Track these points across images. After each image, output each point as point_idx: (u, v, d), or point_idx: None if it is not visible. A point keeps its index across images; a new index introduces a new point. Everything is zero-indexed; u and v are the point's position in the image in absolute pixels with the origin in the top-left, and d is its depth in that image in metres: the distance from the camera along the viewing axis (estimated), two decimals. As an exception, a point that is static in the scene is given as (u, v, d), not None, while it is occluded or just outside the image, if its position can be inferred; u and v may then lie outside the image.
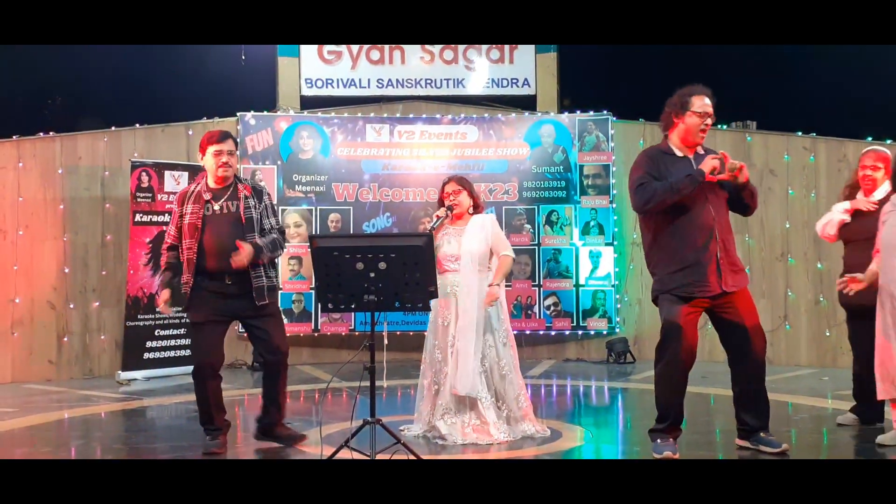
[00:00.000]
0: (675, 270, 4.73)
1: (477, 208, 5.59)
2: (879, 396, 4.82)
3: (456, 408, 5.30)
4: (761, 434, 4.80)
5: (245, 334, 9.24)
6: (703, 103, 4.73)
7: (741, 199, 4.79)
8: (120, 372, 8.34)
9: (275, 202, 5.90)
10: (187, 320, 8.58)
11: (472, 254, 5.39)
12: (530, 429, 5.38)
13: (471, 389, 5.24)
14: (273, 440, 5.28)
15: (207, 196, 5.11)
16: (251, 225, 5.10)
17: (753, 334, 4.72)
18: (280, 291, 9.49)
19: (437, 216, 5.44)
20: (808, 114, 9.18)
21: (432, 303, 5.46)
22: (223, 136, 5.14)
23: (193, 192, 5.17)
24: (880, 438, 4.95)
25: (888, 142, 9.04)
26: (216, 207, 5.10)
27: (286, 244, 5.47)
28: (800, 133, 9.43)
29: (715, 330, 4.90)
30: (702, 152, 4.81)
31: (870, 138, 9.14)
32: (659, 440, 4.78)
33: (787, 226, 9.20)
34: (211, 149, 5.08)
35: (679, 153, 4.81)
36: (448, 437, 5.23)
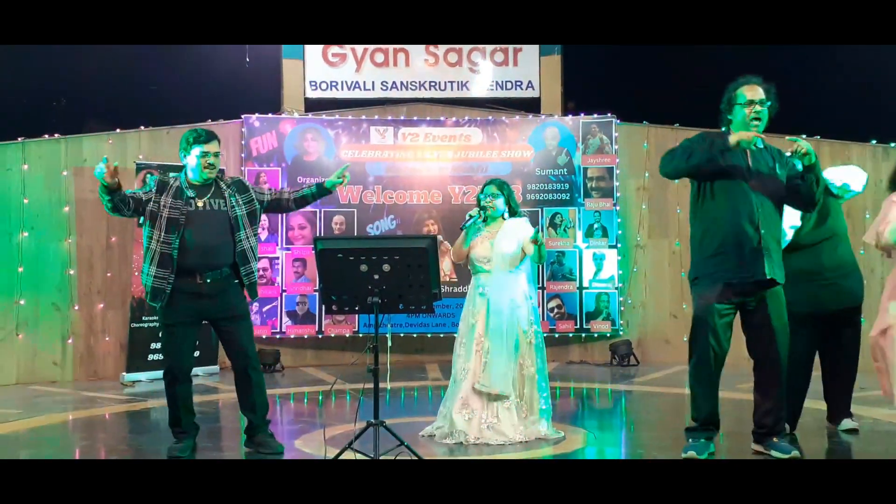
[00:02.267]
0: (711, 255, 4.67)
1: (513, 213, 5.63)
2: None
3: (475, 404, 5.32)
4: (774, 439, 4.74)
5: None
6: (748, 91, 4.64)
7: (804, 185, 4.61)
8: (124, 374, 8.35)
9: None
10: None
11: (503, 255, 5.43)
12: (544, 431, 5.40)
13: (501, 387, 5.28)
14: (252, 447, 5.15)
15: (191, 193, 5.02)
16: (238, 223, 5.09)
17: (780, 335, 4.65)
18: (285, 294, 9.58)
19: (470, 215, 5.48)
20: (812, 116, 9.16)
21: (463, 302, 5.57)
22: (210, 137, 5.04)
23: (173, 185, 5.04)
24: None
25: (892, 145, 9.04)
26: (199, 204, 5.01)
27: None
28: (804, 136, 9.42)
29: (742, 331, 4.80)
30: (761, 146, 4.67)
31: (874, 141, 9.13)
32: (691, 439, 4.75)
33: (792, 228, 9.20)
34: (196, 148, 4.99)
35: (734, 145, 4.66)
36: (461, 433, 5.25)
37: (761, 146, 4.69)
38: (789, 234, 5.16)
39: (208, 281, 4.99)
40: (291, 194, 5.34)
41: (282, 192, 5.37)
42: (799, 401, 5.44)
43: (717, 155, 4.54)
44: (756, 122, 4.63)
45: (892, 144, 8.97)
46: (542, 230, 9.56)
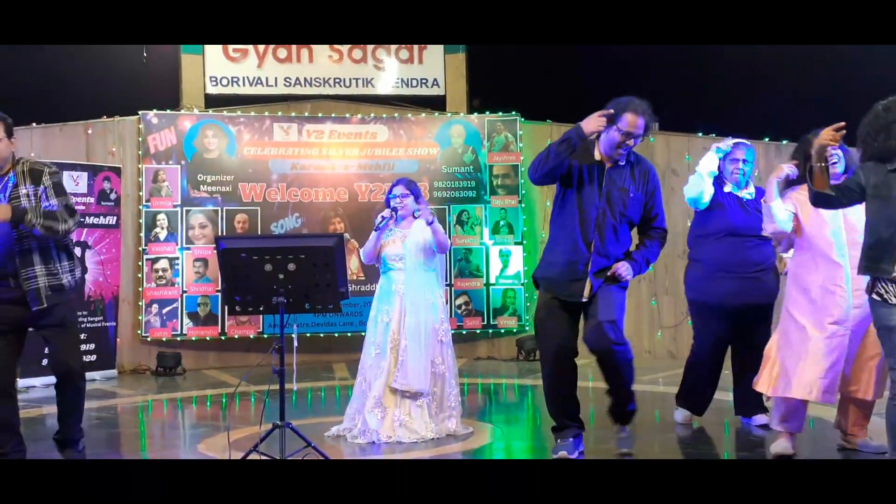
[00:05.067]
0: (547, 264, 4.72)
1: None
2: (793, 394, 4.62)
3: (388, 403, 5.30)
4: (620, 434, 4.81)
5: (147, 337, 9.05)
6: (631, 121, 4.51)
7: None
8: (17, 379, 8.00)
9: (62, 180, 4.66)
10: (88, 325, 8.39)
11: (416, 253, 5.44)
12: (454, 427, 5.43)
13: (420, 385, 5.28)
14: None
15: None
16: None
17: (609, 329, 4.54)
18: (185, 295, 9.32)
19: (383, 216, 5.45)
20: (708, 114, 9.43)
21: (374, 299, 5.55)
22: None
23: None
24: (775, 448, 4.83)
25: (784, 142, 9.37)
26: None
27: (72, 219, 4.50)
28: (700, 134, 9.70)
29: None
30: (622, 163, 4.65)
31: (767, 139, 9.47)
32: (559, 439, 4.74)
33: (689, 224, 9.44)
34: None
35: (596, 156, 4.67)
36: (374, 432, 5.22)
37: (623, 163, 4.66)
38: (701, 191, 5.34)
39: (14, 285, 4.42)
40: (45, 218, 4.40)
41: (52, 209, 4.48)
42: (709, 392, 5.56)
43: (562, 154, 4.50)
44: (621, 152, 4.61)
45: (785, 142, 9.30)
46: (450, 227, 9.58)
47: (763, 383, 4.84)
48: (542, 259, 4.83)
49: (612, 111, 4.52)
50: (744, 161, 5.42)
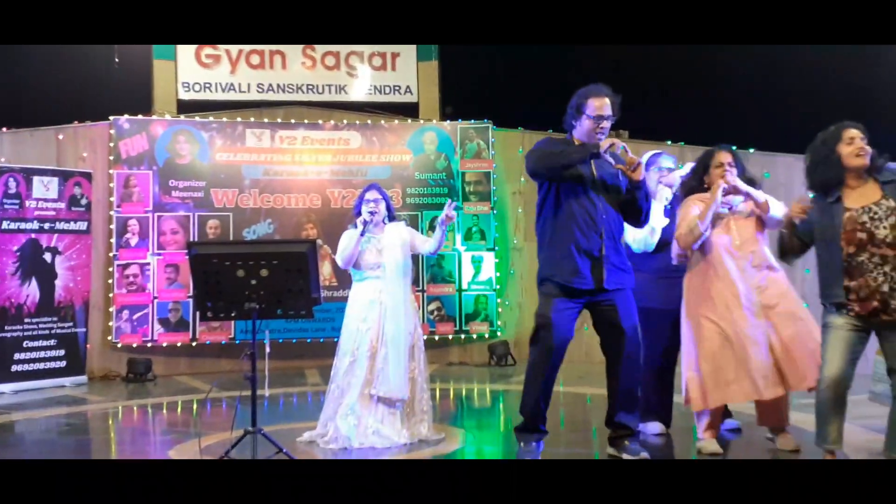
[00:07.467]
0: (555, 260, 4.71)
1: (391, 218, 5.63)
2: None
3: (362, 410, 5.30)
4: (626, 441, 4.77)
5: (117, 343, 9.00)
6: (598, 105, 4.65)
7: (636, 200, 4.71)
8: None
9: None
10: (58, 331, 8.34)
11: (395, 263, 5.42)
12: (426, 432, 5.44)
13: (402, 393, 5.30)
14: None
15: None
16: None
17: (630, 335, 4.70)
18: (156, 301, 9.28)
19: (365, 221, 5.40)
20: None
21: (348, 307, 5.51)
22: None
23: None
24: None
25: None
26: None
27: None
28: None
29: (595, 332, 4.88)
30: (606, 152, 4.68)
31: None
32: (523, 443, 4.79)
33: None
34: None
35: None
36: (346, 438, 5.23)
37: (605, 151, 4.69)
38: (654, 236, 5.29)
39: None
40: None
41: None
42: (668, 398, 5.60)
43: (577, 161, 4.63)
44: (600, 138, 4.69)
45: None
46: (423, 233, 9.60)
47: (697, 401, 4.89)
48: (547, 257, 4.78)
49: (577, 106, 4.71)
50: (668, 169, 5.49)
